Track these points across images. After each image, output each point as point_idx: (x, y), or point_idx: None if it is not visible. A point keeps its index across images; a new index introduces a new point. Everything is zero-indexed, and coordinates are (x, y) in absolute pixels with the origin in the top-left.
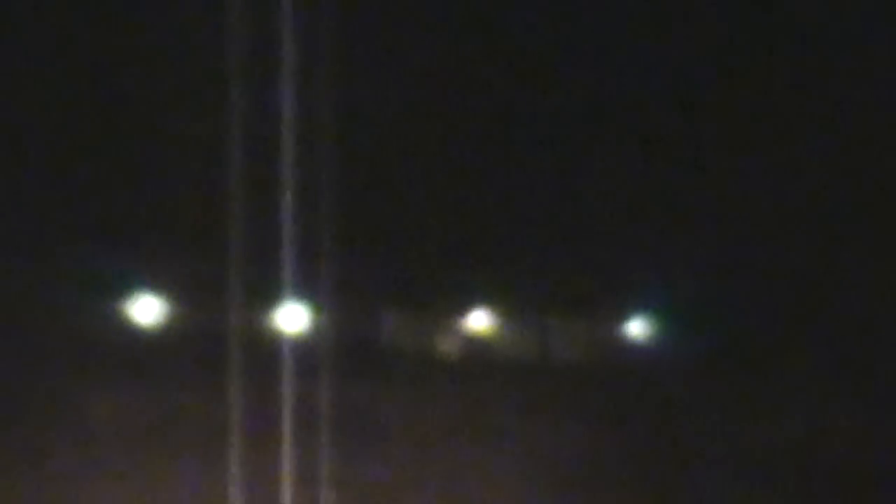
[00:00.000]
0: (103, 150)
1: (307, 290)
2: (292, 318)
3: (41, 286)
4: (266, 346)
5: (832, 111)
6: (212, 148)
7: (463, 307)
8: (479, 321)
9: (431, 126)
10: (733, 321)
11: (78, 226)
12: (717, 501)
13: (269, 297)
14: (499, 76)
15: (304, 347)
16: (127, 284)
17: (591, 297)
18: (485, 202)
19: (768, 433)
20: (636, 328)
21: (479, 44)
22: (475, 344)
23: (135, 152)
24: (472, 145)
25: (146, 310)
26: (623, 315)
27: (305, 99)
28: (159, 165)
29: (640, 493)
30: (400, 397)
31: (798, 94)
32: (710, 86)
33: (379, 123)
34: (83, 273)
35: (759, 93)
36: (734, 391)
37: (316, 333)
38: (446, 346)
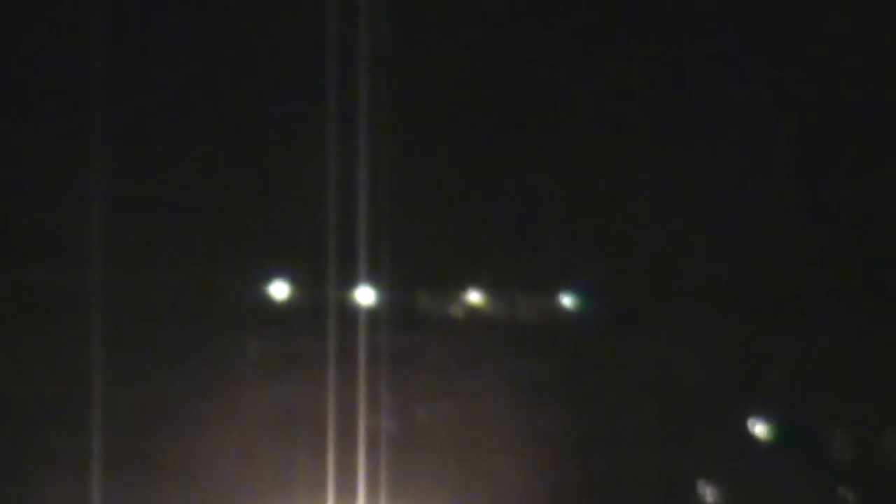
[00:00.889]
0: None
1: (373, 278)
2: (364, 294)
3: (226, 278)
4: (349, 312)
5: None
6: (313, 173)
7: (464, 287)
8: (475, 297)
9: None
10: (620, 296)
11: (239, 239)
12: (617, 401)
13: (350, 282)
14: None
15: (371, 313)
16: (268, 275)
17: (540, 283)
18: (477, 217)
19: (645, 359)
20: (566, 301)
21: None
22: (473, 310)
23: (254, 179)
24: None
25: (280, 290)
26: (558, 293)
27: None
28: (279, 189)
29: (568, 400)
30: (429, 343)
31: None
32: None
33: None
34: (247, 270)
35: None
36: (623, 337)
37: (378, 304)
38: (456, 312)
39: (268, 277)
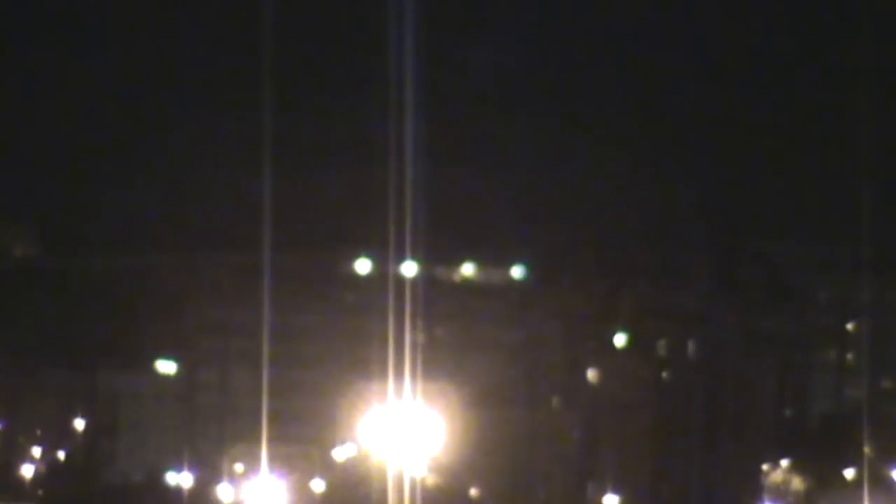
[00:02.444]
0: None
1: (416, 255)
2: (409, 268)
3: (332, 257)
4: (400, 279)
5: None
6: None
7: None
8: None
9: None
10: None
11: (340, 232)
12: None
13: (400, 258)
14: None
15: (415, 281)
16: (357, 255)
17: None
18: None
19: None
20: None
21: None
22: (469, 278)
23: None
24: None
25: (363, 265)
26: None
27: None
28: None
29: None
30: (442, 295)
31: None
32: None
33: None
34: (345, 252)
35: None
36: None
37: (419, 275)
38: (458, 279)
39: (357, 256)
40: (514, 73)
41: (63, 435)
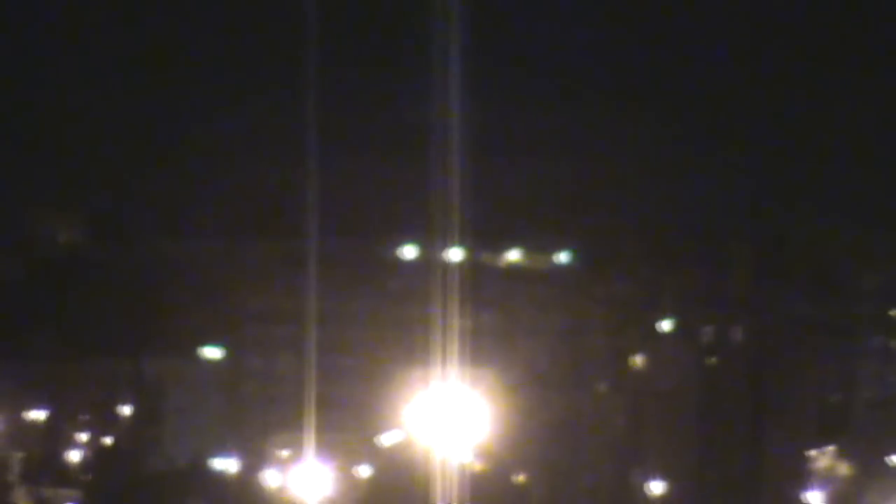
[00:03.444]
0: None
1: (462, 240)
2: (456, 253)
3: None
4: (446, 265)
5: None
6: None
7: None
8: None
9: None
10: None
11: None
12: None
13: (446, 244)
14: None
15: (461, 267)
16: (403, 242)
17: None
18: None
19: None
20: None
21: None
22: (514, 263)
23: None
24: None
25: (410, 251)
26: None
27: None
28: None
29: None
30: (488, 280)
31: None
32: None
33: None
34: (392, 238)
35: None
36: None
37: (465, 261)
38: (503, 264)
39: (403, 242)
40: (564, 60)
41: (109, 421)
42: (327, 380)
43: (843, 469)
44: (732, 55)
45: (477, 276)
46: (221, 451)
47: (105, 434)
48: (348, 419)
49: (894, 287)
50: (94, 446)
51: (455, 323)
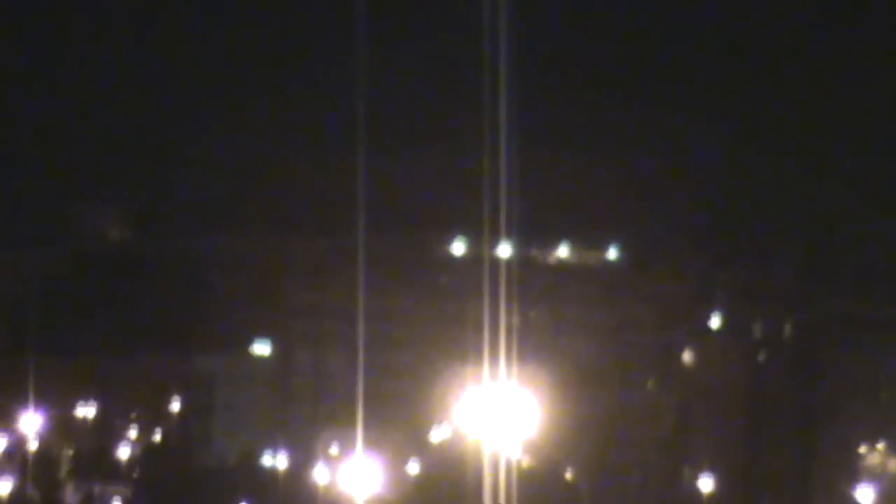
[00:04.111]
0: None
1: (511, 237)
2: (505, 250)
3: (430, 239)
4: (495, 261)
5: None
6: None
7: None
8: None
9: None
10: None
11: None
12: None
13: (495, 240)
14: None
15: (510, 263)
16: (453, 238)
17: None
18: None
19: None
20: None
21: None
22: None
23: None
24: None
25: (459, 248)
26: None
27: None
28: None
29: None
30: (537, 276)
31: None
32: None
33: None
34: (441, 235)
35: None
36: None
37: (514, 257)
38: (552, 260)
39: (452, 239)
40: (615, 58)
41: (158, 417)
42: (377, 376)
43: (894, 465)
44: (778, 53)
45: (526, 272)
46: (271, 447)
47: (154, 430)
48: (398, 415)
49: None
50: (143, 442)
51: (504, 319)
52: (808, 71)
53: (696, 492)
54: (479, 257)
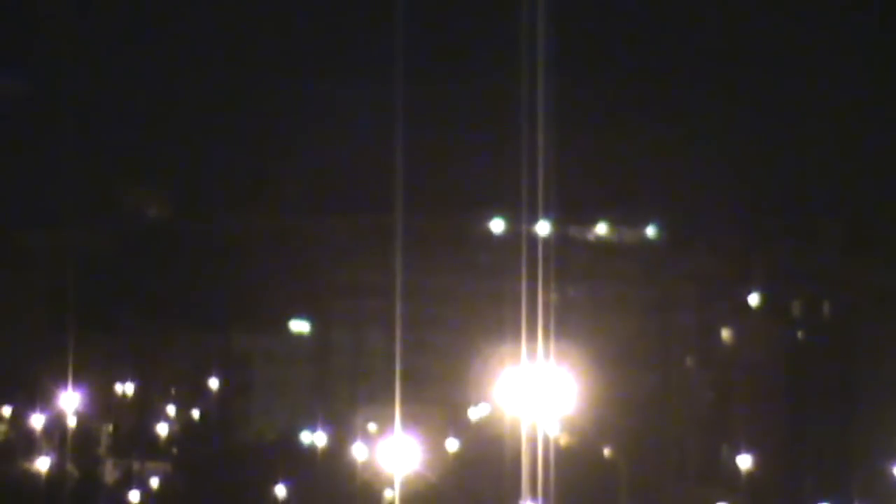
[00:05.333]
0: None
1: (549, 214)
2: (543, 227)
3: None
4: (533, 239)
5: None
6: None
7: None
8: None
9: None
10: None
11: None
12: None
13: (533, 217)
14: None
15: (548, 241)
16: (489, 214)
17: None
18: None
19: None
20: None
21: None
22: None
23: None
24: None
25: (498, 226)
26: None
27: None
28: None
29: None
30: (575, 253)
31: None
32: None
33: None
34: (481, 214)
35: None
36: None
37: (553, 235)
38: (590, 238)
39: (490, 216)
40: (653, 37)
41: (197, 394)
42: (415, 354)
43: None
44: (821, 27)
45: (564, 250)
46: (310, 425)
47: (193, 407)
48: (436, 393)
49: None
50: (182, 420)
51: (542, 297)
52: (852, 45)
53: (735, 469)
54: (517, 235)
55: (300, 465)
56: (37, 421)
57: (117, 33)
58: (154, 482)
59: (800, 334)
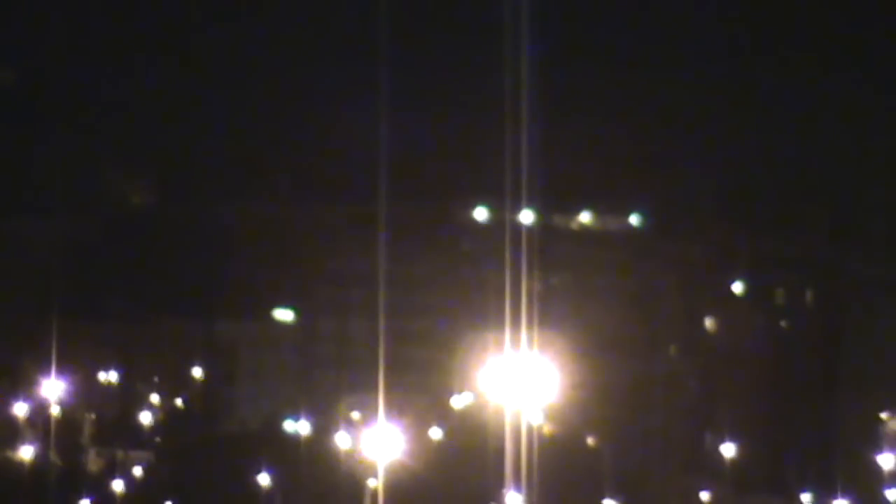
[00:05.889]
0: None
1: (533, 203)
2: (526, 216)
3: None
4: (517, 227)
5: None
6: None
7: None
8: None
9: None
10: None
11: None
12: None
13: (517, 206)
14: None
15: (532, 229)
16: (476, 204)
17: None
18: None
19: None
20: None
21: None
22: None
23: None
24: None
25: (482, 215)
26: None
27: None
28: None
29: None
30: (558, 241)
31: None
32: None
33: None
34: (464, 202)
35: None
36: None
37: (537, 223)
38: (574, 226)
39: (474, 205)
40: (634, 23)
41: (181, 383)
42: (399, 342)
43: None
44: (805, 17)
45: (548, 238)
46: (293, 413)
47: (177, 396)
48: (420, 381)
49: None
50: (165, 408)
51: (526, 285)
52: (837, 34)
53: (719, 458)
54: (501, 223)
55: (284, 453)
56: (19, 409)
57: (105, 21)
58: (137, 471)
59: (784, 322)
